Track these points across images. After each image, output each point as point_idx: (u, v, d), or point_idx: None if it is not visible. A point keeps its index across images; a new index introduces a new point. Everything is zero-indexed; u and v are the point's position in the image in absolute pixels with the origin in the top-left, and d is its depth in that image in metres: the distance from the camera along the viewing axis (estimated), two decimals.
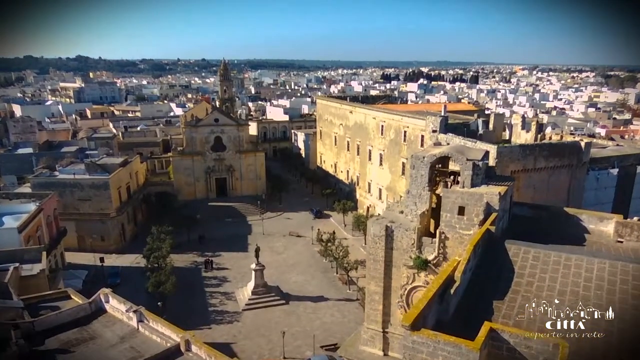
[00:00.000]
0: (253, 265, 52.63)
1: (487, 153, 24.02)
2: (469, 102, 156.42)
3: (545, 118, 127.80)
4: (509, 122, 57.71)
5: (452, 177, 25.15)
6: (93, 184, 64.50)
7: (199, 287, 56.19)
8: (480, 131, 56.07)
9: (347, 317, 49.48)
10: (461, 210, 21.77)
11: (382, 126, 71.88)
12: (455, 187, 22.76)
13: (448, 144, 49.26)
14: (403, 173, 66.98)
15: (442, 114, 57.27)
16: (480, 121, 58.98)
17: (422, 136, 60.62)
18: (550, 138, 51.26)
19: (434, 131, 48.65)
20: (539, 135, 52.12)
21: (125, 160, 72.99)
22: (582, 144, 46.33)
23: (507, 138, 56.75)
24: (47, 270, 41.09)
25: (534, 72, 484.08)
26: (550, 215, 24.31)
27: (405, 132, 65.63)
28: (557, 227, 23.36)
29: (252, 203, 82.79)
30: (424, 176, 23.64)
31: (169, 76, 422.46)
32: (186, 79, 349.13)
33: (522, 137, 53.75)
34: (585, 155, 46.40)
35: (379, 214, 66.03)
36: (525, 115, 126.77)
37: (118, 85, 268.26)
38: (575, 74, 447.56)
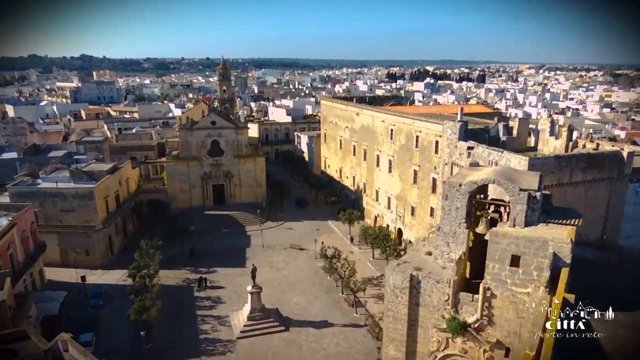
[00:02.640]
0: (249, 287, 47.34)
1: (541, 178, 18.30)
2: (477, 102, 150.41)
3: (560, 119, 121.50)
4: (535, 127, 51.77)
5: (491, 208, 19.44)
6: (77, 194, 59.18)
7: (190, 309, 50.89)
8: (503, 138, 50.32)
9: (354, 347, 44.14)
10: (515, 261, 16.11)
11: (392, 130, 66.22)
12: (504, 227, 17.05)
13: (469, 152, 43.43)
14: (415, 182, 61.47)
15: (459, 118, 51.50)
16: (501, 126, 53.16)
17: (437, 142, 55.07)
18: (584, 146, 45.28)
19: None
20: (571, 143, 46.16)
21: (115, 167, 67.73)
22: (624, 153, 40.46)
23: (533, 145, 50.94)
24: (10, 300, 35.78)
25: (541, 71, 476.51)
26: (622, 258, 18.69)
27: (417, 137, 59.96)
28: (635, 275, 17.70)
29: (252, 212, 77.40)
30: (460, 209, 17.91)
31: (173, 75, 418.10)
32: (189, 78, 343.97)
33: (551, 145, 47.87)
34: (627, 166, 40.58)
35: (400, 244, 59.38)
36: (540, 116, 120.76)
37: (120, 84, 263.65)
38: (582, 73, 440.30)
